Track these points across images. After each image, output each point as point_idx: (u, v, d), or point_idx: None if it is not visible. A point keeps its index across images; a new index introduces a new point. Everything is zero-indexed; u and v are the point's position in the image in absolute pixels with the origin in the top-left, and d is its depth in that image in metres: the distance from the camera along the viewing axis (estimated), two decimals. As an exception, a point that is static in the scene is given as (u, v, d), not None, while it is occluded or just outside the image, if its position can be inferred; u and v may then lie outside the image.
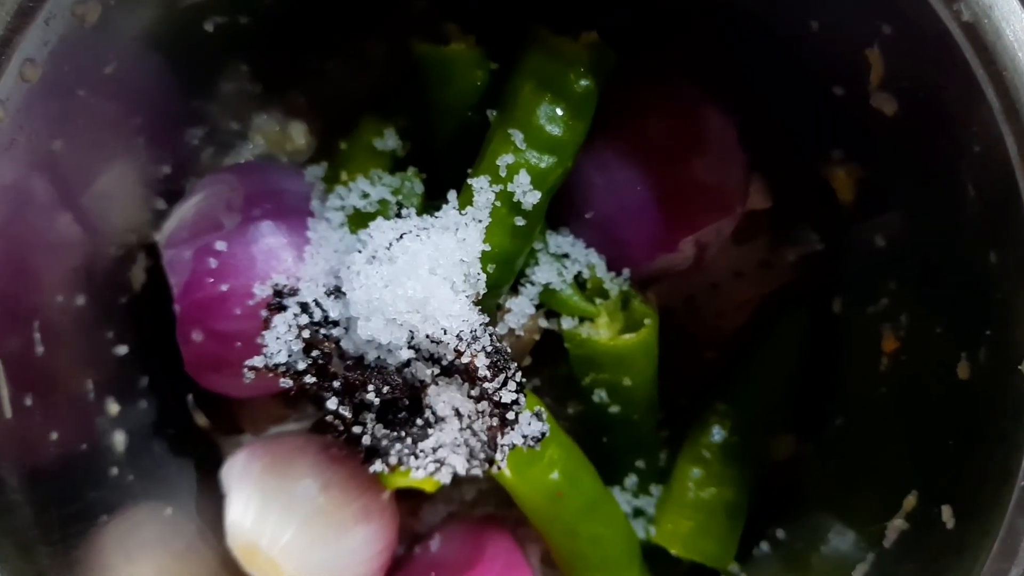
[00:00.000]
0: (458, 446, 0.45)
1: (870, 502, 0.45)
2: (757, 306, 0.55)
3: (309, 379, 0.43)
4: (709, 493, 0.51)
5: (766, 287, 0.55)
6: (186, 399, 0.53)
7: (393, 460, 0.43)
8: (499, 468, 0.45)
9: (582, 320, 0.48)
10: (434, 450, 0.44)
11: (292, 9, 0.50)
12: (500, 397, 0.42)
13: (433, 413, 0.43)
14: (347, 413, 0.43)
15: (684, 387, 0.55)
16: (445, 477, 0.46)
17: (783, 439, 0.53)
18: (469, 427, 0.44)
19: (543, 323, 0.49)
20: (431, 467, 0.45)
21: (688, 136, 0.49)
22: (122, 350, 0.50)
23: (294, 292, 0.45)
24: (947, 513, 0.40)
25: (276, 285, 0.45)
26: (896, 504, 0.43)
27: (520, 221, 0.45)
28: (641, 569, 0.51)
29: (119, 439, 0.48)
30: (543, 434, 0.43)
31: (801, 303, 0.53)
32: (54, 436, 0.43)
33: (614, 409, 0.50)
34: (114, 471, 0.47)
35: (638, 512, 0.53)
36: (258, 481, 0.48)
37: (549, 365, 0.52)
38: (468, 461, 0.45)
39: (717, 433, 0.52)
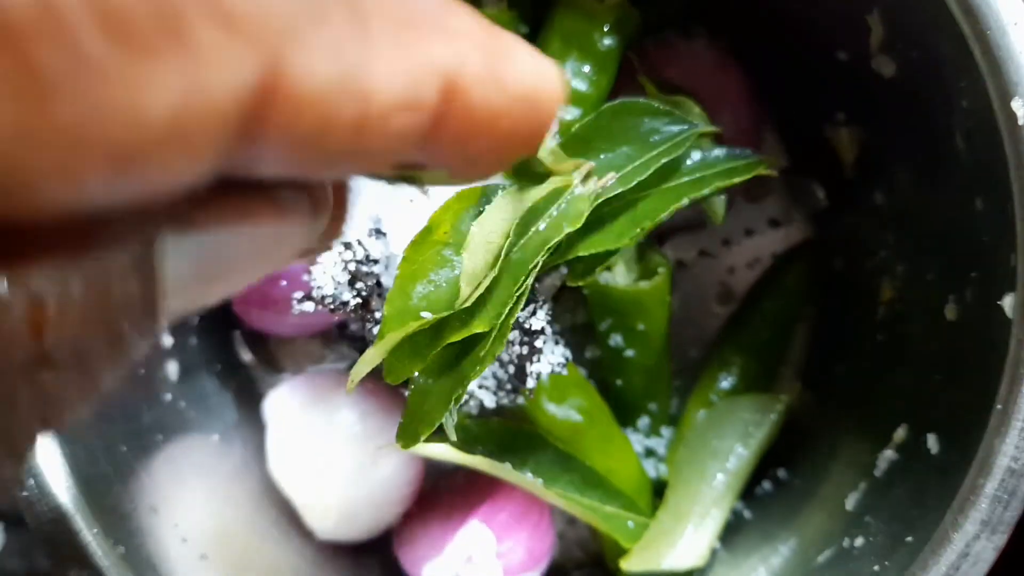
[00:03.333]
0: (486, 379, 0.49)
1: (864, 438, 0.48)
2: (767, 263, 0.58)
3: (354, 310, 0.47)
4: (716, 434, 0.55)
5: (776, 245, 0.58)
6: (232, 337, 0.58)
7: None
8: (528, 396, 0.49)
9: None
10: (463, 382, 0.48)
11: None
12: (530, 325, 0.46)
13: (464, 345, 0.47)
14: (385, 344, 0.47)
15: (696, 339, 0.59)
16: (473, 409, 0.50)
17: (789, 387, 0.57)
18: (498, 359, 0.48)
19: (563, 270, 0.53)
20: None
21: (705, 93, 0.52)
22: (175, 288, 0.54)
23: (337, 233, 0.49)
24: (932, 440, 0.43)
25: (322, 226, 0.49)
26: (887, 437, 0.46)
27: (547, 169, 0.49)
28: (651, 503, 0.55)
29: (172, 369, 0.52)
30: (567, 358, 0.47)
31: (807, 260, 0.57)
32: (116, 359, 0.47)
33: (629, 353, 0.53)
34: (168, 396, 0.51)
35: (649, 452, 0.56)
36: (299, 411, 0.52)
37: (569, 312, 0.55)
38: (495, 393, 0.49)
39: (724, 380, 0.56)
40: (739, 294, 0.59)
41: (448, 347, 0.43)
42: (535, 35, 0.51)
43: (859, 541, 0.45)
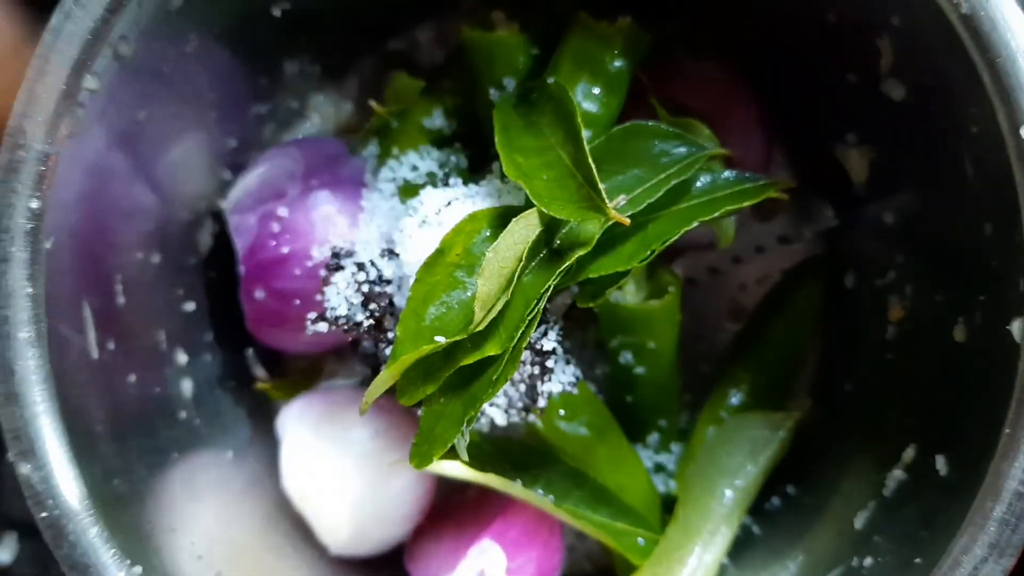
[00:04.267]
0: (498, 397, 0.50)
1: (873, 457, 0.49)
2: (777, 280, 0.59)
3: (367, 330, 0.48)
4: (726, 451, 0.55)
5: (785, 262, 0.59)
6: (245, 354, 0.58)
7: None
8: (538, 415, 0.50)
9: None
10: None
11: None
12: (541, 346, 0.47)
13: (476, 365, 0.47)
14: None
15: (706, 355, 0.59)
16: (484, 427, 0.51)
17: (799, 403, 0.57)
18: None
19: (574, 288, 0.53)
20: (472, 417, 0.50)
21: (714, 113, 0.53)
22: (190, 307, 0.54)
23: (351, 253, 0.49)
24: (941, 462, 0.43)
25: (335, 247, 0.50)
26: (896, 457, 0.47)
27: (558, 189, 0.49)
28: (660, 519, 0.55)
29: (187, 386, 0.53)
30: (578, 378, 0.48)
31: (817, 277, 0.57)
32: (132, 378, 0.48)
33: (639, 370, 0.54)
34: (183, 414, 0.52)
35: (659, 467, 0.57)
36: (312, 428, 0.53)
37: (580, 328, 0.56)
38: (507, 411, 0.50)
39: (735, 396, 0.56)
40: (750, 310, 0.59)
41: (461, 369, 0.43)
42: (547, 57, 0.51)
43: (868, 561, 0.45)
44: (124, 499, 0.45)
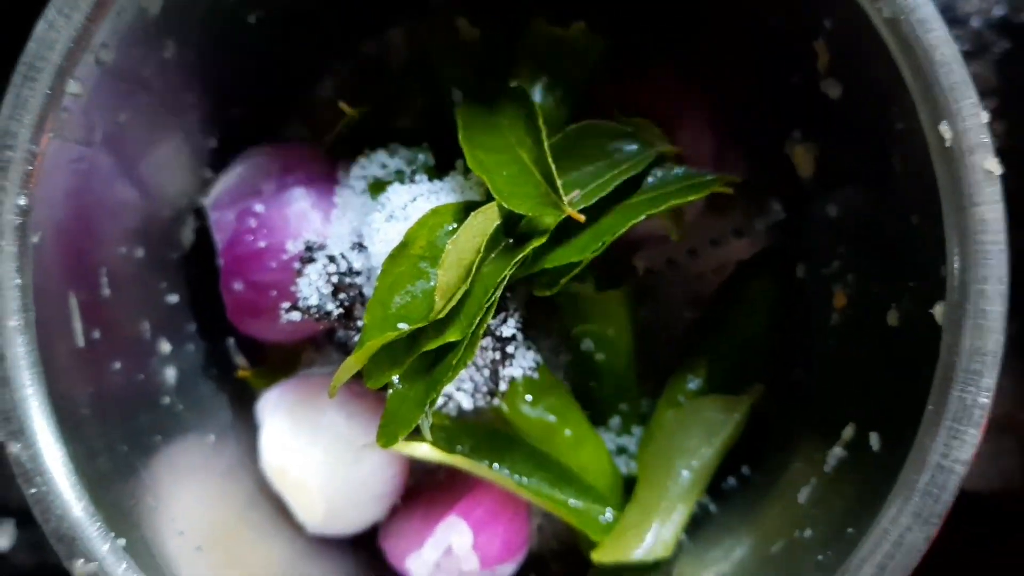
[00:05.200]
0: (463, 383, 0.52)
1: (817, 436, 0.52)
2: (732, 270, 0.62)
3: (337, 319, 0.51)
4: (683, 433, 0.58)
5: (739, 253, 0.62)
6: (226, 344, 0.61)
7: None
8: (500, 399, 0.53)
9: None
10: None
11: (322, 5, 0.57)
12: (501, 332, 0.50)
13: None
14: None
15: (666, 342, 0.62)
16: (452, 411, 0.54)
17: (753, 389, 0.60)
18: (473, 363, 0.51)
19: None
20: (440, 401, 0.53)
21: (666, 114, 0.56)
22: (173, 299, 0.57)
23: (323, 247, 0.52)
24: (874, 439, 0.46)
25: (308, 241, 0.52)
26: (837, 435, 0.49)
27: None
28: (622, 498, 0.58)
29: (170, 374, 0.56)
30: (538, 362, 0.51)
31: (770, 268, 0.60)
32: (117, 365, 0.51)
33: (599, 357, 0.57)
34: (166, 400, 0.55)
35: (621, 449, 0.60)
36: (289, 413, 0.56)
37: (543, 318, 0.59)
38: (472, 396, 0.53)
39: (692, 382, 0.59)
40: (706, 299, 0.62)
41: (423, 354, 0.46)
42: (507, 61, 0.54)
43: (808, 532, 0.48)
44: (108, 477, 0.48)
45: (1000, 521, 0.71)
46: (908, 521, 0.42)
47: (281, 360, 0.61)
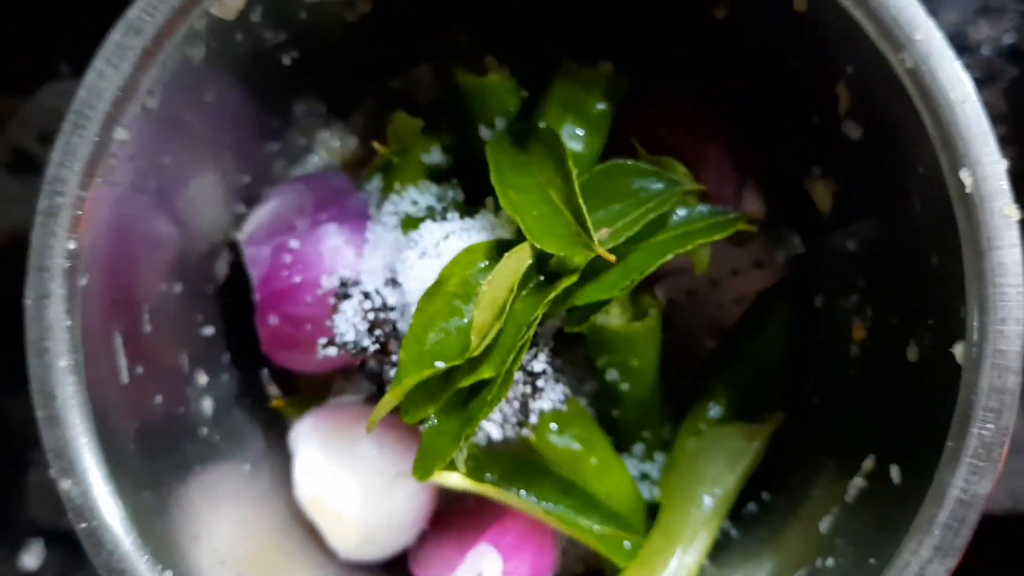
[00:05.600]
0: (494, 414, 0.54)
1: (838, 465, 0.53)
2: (752, 300, 0.63)
3: (373, 355, 0.52)
4: (705, 461, 0.59)
5: (760, 284, 0.63)
6: (260, 374, 0.63)
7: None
8: (529, 430, 0.54)
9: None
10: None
11: (353, 45, 0.58)
12: (532, 367, 0.51)
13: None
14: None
15: (688, 370, 0.64)
16: (482, 441, 0.55)
17: (773, 416, 0.61)
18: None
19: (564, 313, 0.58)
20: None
21: (690, 151, 0.57)
22: (209, 331, 0.59)
23: (357, 283, 0.54)
24: (895, 471, 0.48)
25: (342, 277, 0.54)
26: (857, 466, 0.51)
27: (546, 222, 0.53)
28: (645, 524, 0.59)
29: (207, 405, 0.57)
30: (566, 395, 0.52)
31: (788, 299, 0.62)
32: (158, 400, 0.52)
33: (624, 387, 0.58)
34: (204, 431, 0.56)
35: (644, 476, 0.61)
36: (322, 442, 0.57)
37: (569, 349, 0.60)
38: (502, 426, 0.54)
39: (713, 409, 0.61)
40: (727, 329, 0.64)
41: (459, 390, 0.48)
42: (535, 100, 0.56)
43: (830, 562, 0.50)
44: (153, 510, 0.49)
45: (1013, 543, 0.72)
46: (929, 554, 0.44)
47: (312, 389, 0.63)
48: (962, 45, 0.71)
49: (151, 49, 0.46)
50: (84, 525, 0.45)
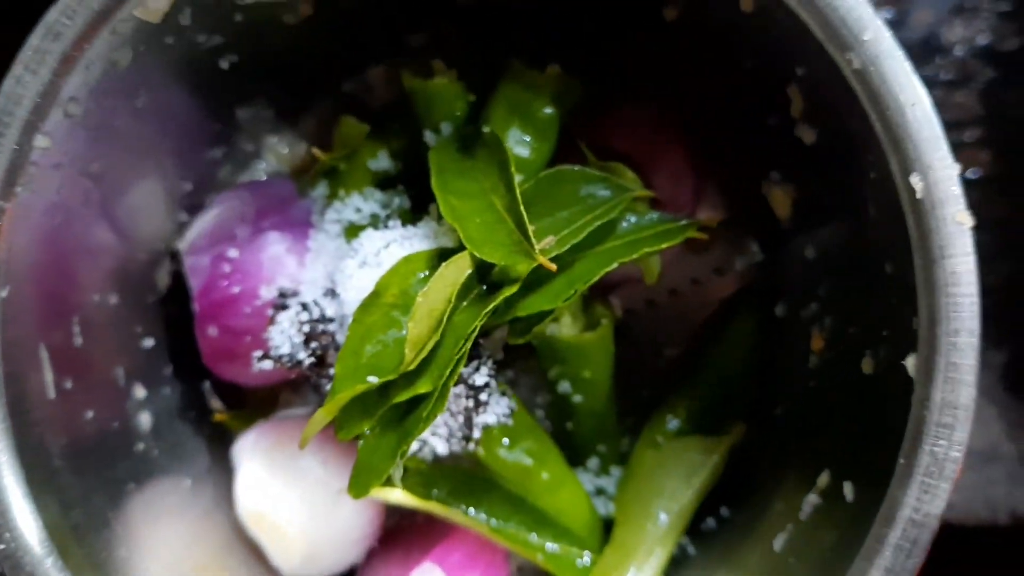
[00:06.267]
0: (438, 428, 0.52)
1: (795, 481, 0.51)
2: (712, 309, 0.61)
3: (309, 368, 0.51)
4: (661, 474, 0.58)
5: (720, 292, 0.61)
6: (202, 387, 0.61)
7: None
8: (474, 445, 0.52)
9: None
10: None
11: (297, 48, 0.57)
12: (474, 380, 0.49)
13: (415, 399, 0.50)
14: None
15: (646, 381, 0.62)
16: (427, 456, 0.53)
17: (733, 429, 0.59)
18: (448, 410, 0.51)
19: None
20: (415, 447, 0.52)
21: (645, 156, 0.55)
22: (149, 343, 0.57)
23: (296, 293, 0.52)
24: (848, 488, 0.46)
25: (280, 288, 0.52)
26: (812, 481, 0.49)
27: (491, 230, 0.52)
28: (601, 540, 0.57)
29: (145, 419, 0.55)
30: (512, 409, 0.50)
31: (750, 308, 0.60)
32: (90, 415, 0.51)
33: (576, 399, 0.56)
34: (141, 446, 0.55)
35: (600, 491, 0.59)
36: (265, 457, 0.55)
37: (521, 359, 0.58)
38: (448, 441, 0.53)
39: (672, 422, 0.59)
40: (688, 339, 0.62)
41: (395, 405, 0.46)
42: (482, 104, 0.54)
43: (782, 581, 0.48)
44: (81, 529, 0.47)
45: (990, 553, 0.70)
46: (880, 576, 0.42)
47: (259, 402, 0.61)
48: (936, 46, 0.69)
49: (71, 54, 0.44)
50: (2, 547, 0.44)
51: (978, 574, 0.71)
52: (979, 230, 0.41)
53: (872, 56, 0.42)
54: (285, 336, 0.50)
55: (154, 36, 0.47)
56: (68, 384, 0.49)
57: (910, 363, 0.42)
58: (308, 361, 0.50)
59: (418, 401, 0.46)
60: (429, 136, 0.54)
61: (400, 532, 0.58)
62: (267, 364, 0.51)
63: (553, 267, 0.46)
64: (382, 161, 0.57)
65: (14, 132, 0.44)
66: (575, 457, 0.58)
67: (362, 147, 0.57)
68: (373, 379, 0.45)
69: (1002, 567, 0.70)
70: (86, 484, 0.49)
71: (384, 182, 0.57)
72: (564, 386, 0.56)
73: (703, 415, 0.59)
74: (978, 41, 0.70)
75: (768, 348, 0.59)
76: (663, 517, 0.56)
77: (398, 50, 0.60)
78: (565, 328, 0.55)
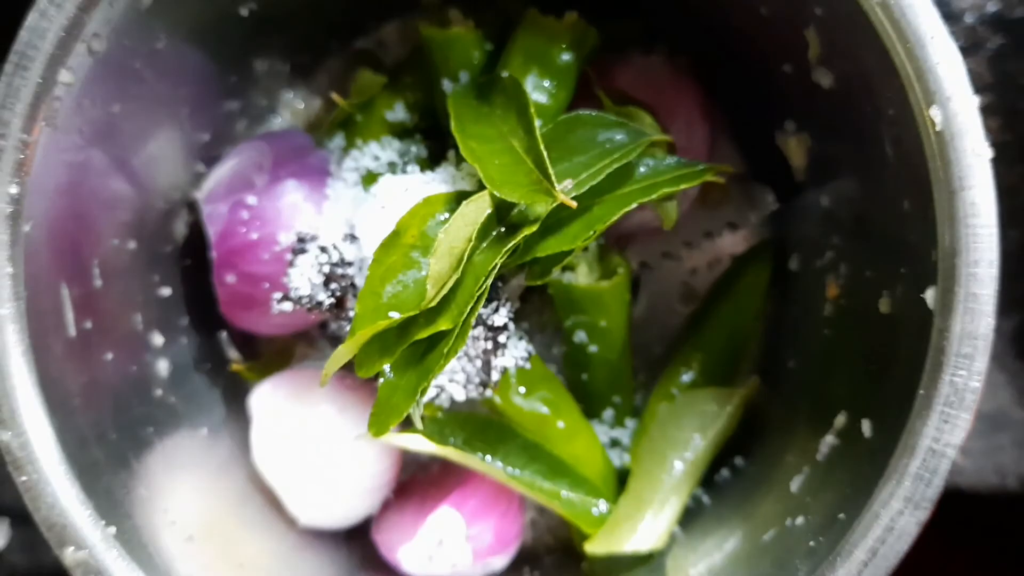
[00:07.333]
0: (455, 374, 0.52)
1: (810, 426, 0.52)
2: (726, 265, 0.62)
3: (328, 309, 0.51)
4: (676, 426, 0.58)
5: (734, 247, 0.62)
6: (219, 337, 0.61)
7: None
8: (493, 389, 0.53)
9: (564, 268, 0.55)
10: (435, 377, 0.51)
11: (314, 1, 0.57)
12: (493, 322, 0.50)
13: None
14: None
15: (660, 336, 0.62)
16: (444, 402, 0.53)
17: (747, 381, 0.60)
18: (465, 354, 0.51)
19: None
20: (432, 393, 0.52)
21: (659, 104, 0.56)
22: (166, 292, 0.57)
23: (315, 238, 0.52)
24: (866, 426, 0.46)
25: (299, 232, 0.53)
26: (829, 424, 0.49)
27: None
28: (615, 490, 0.58)
29: (163, 366, 0.56)
30: (530, 352, 0.51)
31: (764, 261, 0.60)
32: (109, 356, 0.51)
33: (592, 349, 0.57)
34: (159, 392, 0.55)
35: (615, 442, 0.60)
36: (281, 406, 0.55)
37: (536, 313, 0.59)
38: (465, 387, 0.53)
39: (686, 375, 0.59)
40: (701, 293, 0.62)
41: (415, 344, 0.46)
42: (499, 53, 0.54)
43: (800, 520, 0.48)
44: (100, 466, 0.47)
45: (1000, 519, 0.70)
46: (899, 506, 0.42)
47: (274, 354, 0.61)
48: (946, 13, 0.70)
49: (95, -11, 0.44)
50: (24, 479, 0.44)
51: (988, 538, 0.71)
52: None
53: (895, -10, 0.42)
54: (304, 278, 0.51)
55: (176, -24, 0.47)
56: (88, 325, 0.49)
57: (929, 296, 0.42)
58: (328, 302, 0.50)
59: (438, 339, 0.46)
60: (447, 84, 0.55)
61: (415, 483, 0.58)
62: (287, 306, 0.51)
63: (573, 204, 0.46)
64: (399, 112, 0.57)
65: (39, 66, 0.44)
66: (590, 409, 0.59)
67: (378, 98, 0.57)
68: (395, 315, 0.45)
69: (1011, 531, 0.70)
70: (105, 423, 0.49)
71: (401, 132, 0.57)
72: (580, 335, 0.56)
73: (717, 368, 0.59)
74: (988, 8, 0.70)
75: (782, 301, 0.59)
76: (678, 466, 0.56)
77: (412, 4, 0.60)
78: (582, 277, 0.55)
